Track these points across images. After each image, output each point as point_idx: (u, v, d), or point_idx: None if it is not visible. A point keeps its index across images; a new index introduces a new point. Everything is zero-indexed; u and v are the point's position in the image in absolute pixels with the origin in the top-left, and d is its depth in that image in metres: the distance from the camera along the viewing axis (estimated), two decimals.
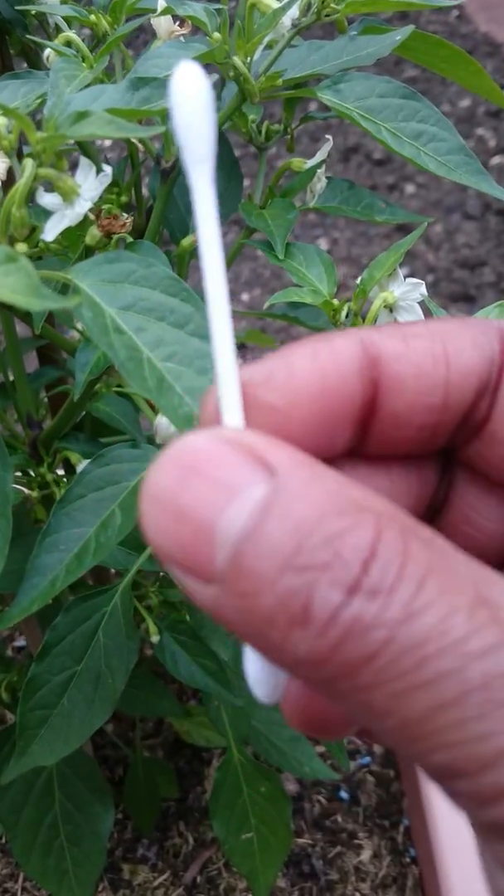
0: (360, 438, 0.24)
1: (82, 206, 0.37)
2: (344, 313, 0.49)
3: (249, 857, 0.78)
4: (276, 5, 0.46)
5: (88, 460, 0.67)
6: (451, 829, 0.89)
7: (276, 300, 0.46)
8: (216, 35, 0.47)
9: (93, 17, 0.52)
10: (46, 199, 0.38)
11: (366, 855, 0.94)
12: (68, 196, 0.37)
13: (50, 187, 0.40)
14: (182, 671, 0.71)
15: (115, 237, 0.53)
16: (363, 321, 0.50)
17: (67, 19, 0.58)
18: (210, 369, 0.36)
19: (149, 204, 0.65)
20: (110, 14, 0.51)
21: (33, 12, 0.58)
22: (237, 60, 0.47)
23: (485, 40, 2.56)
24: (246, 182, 0.67)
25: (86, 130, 0.34)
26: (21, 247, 0.37)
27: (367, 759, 1.02)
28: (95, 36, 0.54)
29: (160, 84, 0.39)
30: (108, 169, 0.38)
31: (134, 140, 0.59)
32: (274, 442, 0.19)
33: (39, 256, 0.48)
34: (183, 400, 0.35)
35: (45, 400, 0.84)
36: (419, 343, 0.24)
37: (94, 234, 0.52)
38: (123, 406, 0.71)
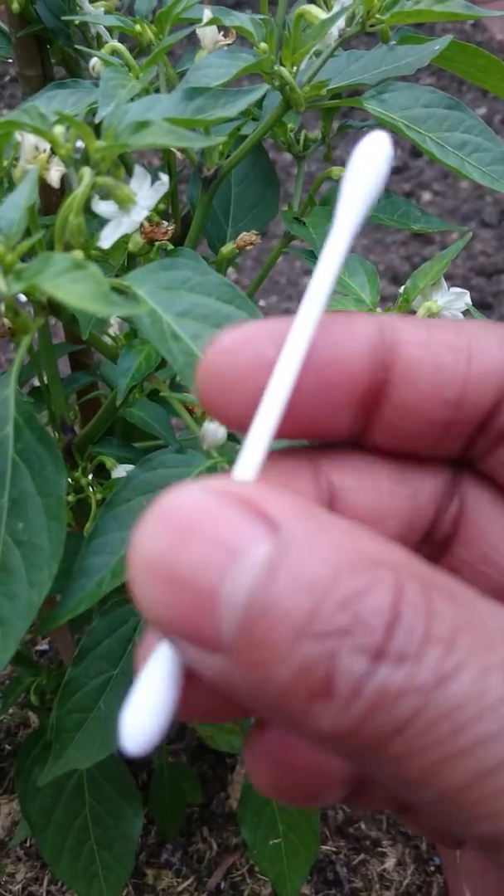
0: (366, 425, 0.23)
1: (139, 214, 0.38)
2: None
3: (277, 863, 0.78)
4: (323, 16, 0.47)
5: (123, 465, 0.68)
6: None
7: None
8: (262, 45, 0.48)
9: (138, 27, 0.53)
10: (102, 207, 0.39)
11: (390, 863, 0.94)
12: (125, 204, 0.38)
13: (105, 195, 0.40)
14: None
15: (156, 244, 0.54)
16: None
17: (110, 29, 0.59)
18: None
19: (184, 212, 0.66)
20: (156, 24, 0.52)
21: (76, 22, 0.59)
22: (284, 70, 0.47)
23: (500, 48, 2.57)
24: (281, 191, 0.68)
25: (147, 140, 0.34)
26: (77, 254, 0.37)
27: None
28: (139, 45, 0.54)
29: (213, 94, 0.39)
30: (164, 178, 0.38)
31: (173, 149, 0.60)
32: (272, 491, 0.18)
33: None
34: None
35: (76, 405, 0.85)
36: (442, 335, 0.22)
37: (136, 242, 0.53)
38: (157, 411, 0.71)
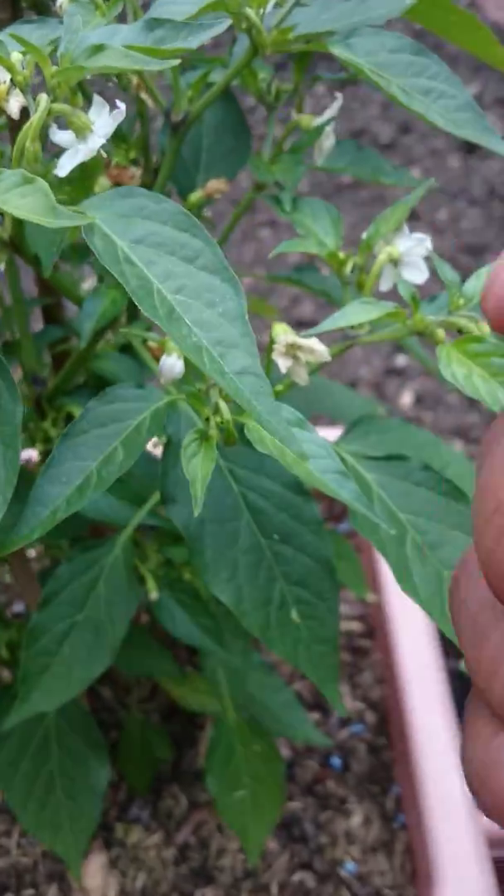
0: None
1: (95, 142, 0.38)
2: (349, 268, 0.49)
3: (241, 815, 0.79)
4: None
5: None
6: (440, 796, 0.91)
7: (282, 250, 0.47)
8: None
9: None
10: (59, 136, 0.39)
11: (356, 820, 0.95)
12: (82, 132, 0.38)
13: (64, 126, 0.40)
14: (180, 630, 0.71)
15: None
16: (367, 276, 0.51)
17: None
18: (217, 303, 0.37)
19: (156, 164, 0.66)
20: None
21: None
22: (250, 12, 0.47)
23: (495, 27, 2.56)
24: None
25: (101, 62, 0.34)
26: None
27: (360, 727, 1.04)
28: None
29: (175, 26, 0.39)
30: (121, 106, 0.39)
31: (143, 96, 0.59)
32: None
33: None
34: (191, 331, 0.36)
35: (50, 360, 0.85)
36: None
37: (103, 184, 0.53)
38: (128, 364, 0.71)
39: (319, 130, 0.54)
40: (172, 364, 0.42)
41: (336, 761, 1.01)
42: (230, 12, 0.47)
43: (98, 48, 0.35)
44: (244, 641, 0.83)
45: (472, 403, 1.76)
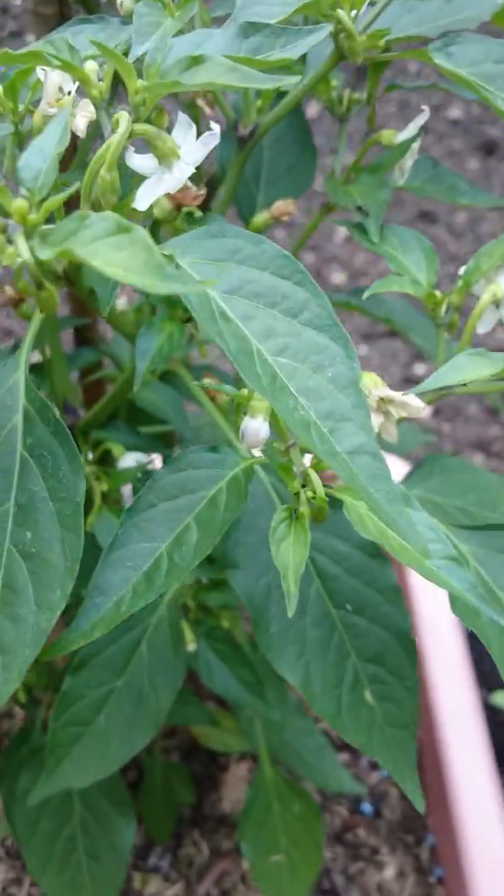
0: None
1: (183, 171, 0.32)
2: (444, 309, 0.43)
3: (276, 880, 0.73)
4: None
5: (130, 452, 0.62)
6: (482, 850, 0.85)
7: (377, 290, 0.41)
8: None
9: None
10: (138, 162, 0.32)
11: (389, 873, 0.90)
12: (167, 158, 0.32)
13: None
14: (217, 682, 0.66)
15: (183, 210, 0.48)
16: (459, 315, 0.45)
17: None
18: (326, 366, 0.31)
19: (207, 179, 0.59)
20: None
21: None
22: (342, 13, 0.41)
23: None
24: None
25: (201, 77, 0.28)
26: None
27: None
28: None
29: (272, 31, 0.33)
30: (215, 128, 0.32)
31: (201, 103, 0.53)
32: None
33: None
34: (298, 402, 0.30)
35: (78, 384, 0.79)
36: None
37: (163, 207, 0.46)
38: (170, 394, 0.65)
39: (404, 148, 0.48)
40: (258, 428, 0.36)
41: (367, 807, 0.95)
42: (321, 14, 0.41)
43: (196, 60, 0.28)
44: (280, 688, 0.78)
45: (493, 415, 1.70)
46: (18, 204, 0.26)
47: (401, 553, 0.34)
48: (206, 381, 0.53)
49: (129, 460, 0.61)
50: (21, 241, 0.26)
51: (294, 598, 0.33)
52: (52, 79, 0.35)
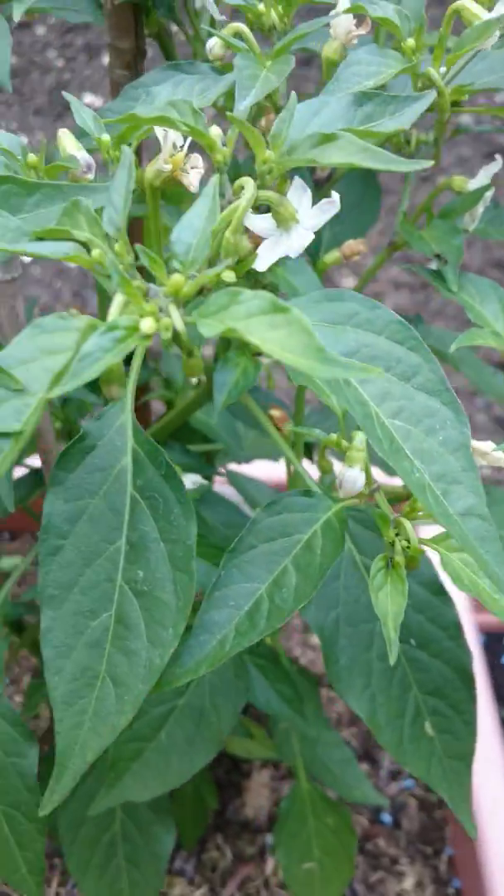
0: None
1: (303, 238, 0.33)
2: None
3: (308, 887, 0.75)
4: (484, 14, 0.42)
5: (190, 475, 0.64)
6: (502, 864, 0.87)
7: (462, 343, 0.43)
8: (410, 42, 0.43)
9: (261, 5, 0.48)
10: (256, 223, 0.34)
11: (408, 883, 0.92)
12: (286, 223, 0.33)
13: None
14: (258, 697, 0.67)
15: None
16: None
17: (217, 3, 0.54)
18: (437, 429, 0.32)
19: None
20: (283, 5, 0.47)
21: None
22: (433, 72, 0.43)
23: None
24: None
25: (336, 158, 0.30)
26: (228, 275, 0.33)
27: (411, 782, 1.00)
28: (260, 28, 0.49)
29: (383, 100, 0.35)
30: (335, 197, 0.34)
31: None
32: None
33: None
34: (414, 465, 0.31)
35: None
36: None
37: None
38: (225, 418, 0.67)
39: (478, 196, 0.50)
40: (355, 478, 0.37)
41: (387, 817, 0.97)
42: (413, 73, 0.43)
43: (328, 138, 0.30)
44: (316, 703, 0.80)
45: (502, 425, 1.72)
46: (175, 279, 0.28)
47: (491, 604, 0.36)
48: (274, 412, 0.55)
49: (187, 482, 0.62)
50: (175, 313, 0.28)
51: (395, 644, 0.35)
52: (171, 137, 0.36)
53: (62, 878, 0.91)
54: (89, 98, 2.19)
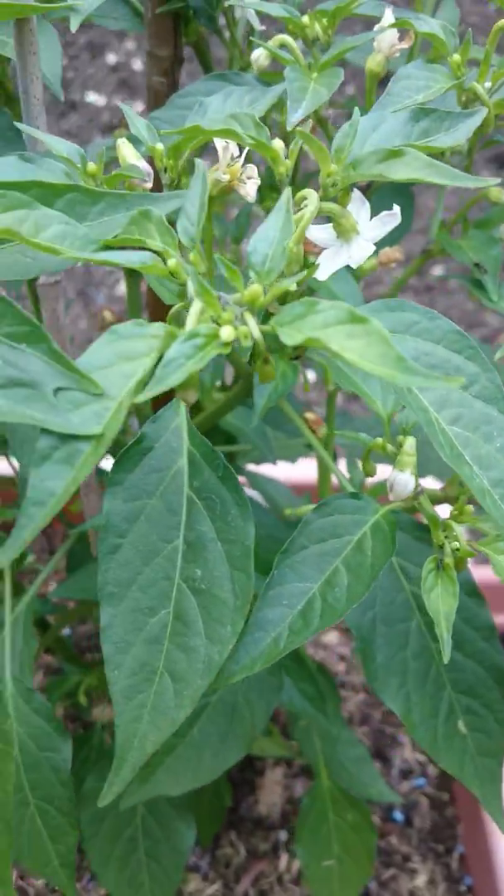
0: None
1: (364, 249, 0.34)
2: None
3: (328, 884, 0.76)
4: None
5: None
6: None
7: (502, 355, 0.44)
8: (456, 57, 0.44)
9: (305, 18, 0.49)
10: (317, 234, 0.35)
11: (421, 880, 0.93)
12: (347, 234, 0.35)
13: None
14: (283, 695, 0.68)
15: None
16: None
17: (265, 20, 0.55)
18: (495, 436, 0.33)
19: None
20: (328, 17, 0.48)
21: (225, 4, 0.55)
22: (479, 87, 0.44)
23: None
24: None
25: (403, 173, 0.31)
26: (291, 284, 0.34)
27: (422, 781, 1.01)
28: (303, 39, 0.50)
29: (439, 116, 0.36)
30: (396, 209, 0.35)
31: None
32: None
33: None
34: (474, 471, 0.32)
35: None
36: None
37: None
38: (251, 419, 0.68)
39: None
40: (406, 481, 0.39)
41: (398, 815, 0.98)
42: (459, 89, 0.44)
43: (395, 154, 0.31)
44: (336, 702, 0.81)
45: None
46: (253, 289, 0.29)
47: None
48: (309, 416, 0.56)
49: None
50: (252, 322, 0.29)
51: (448, 643, 0.36)
52: (230, 149, 0.37)
53: (79, 873, 0.92)
54: (92, 96, 2.20)
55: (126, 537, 0.38)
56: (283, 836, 0.96)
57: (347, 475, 0.69)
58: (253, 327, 0.29)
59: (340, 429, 0.64)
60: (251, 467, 0.84)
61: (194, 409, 0.75)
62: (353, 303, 0.41)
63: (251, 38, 0.51)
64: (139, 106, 2.15)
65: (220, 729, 0.55)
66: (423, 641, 0.50)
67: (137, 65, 2.18)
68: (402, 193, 0.60)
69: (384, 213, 0.35)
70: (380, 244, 0.58)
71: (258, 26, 0.56)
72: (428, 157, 0.31)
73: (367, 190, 0.51)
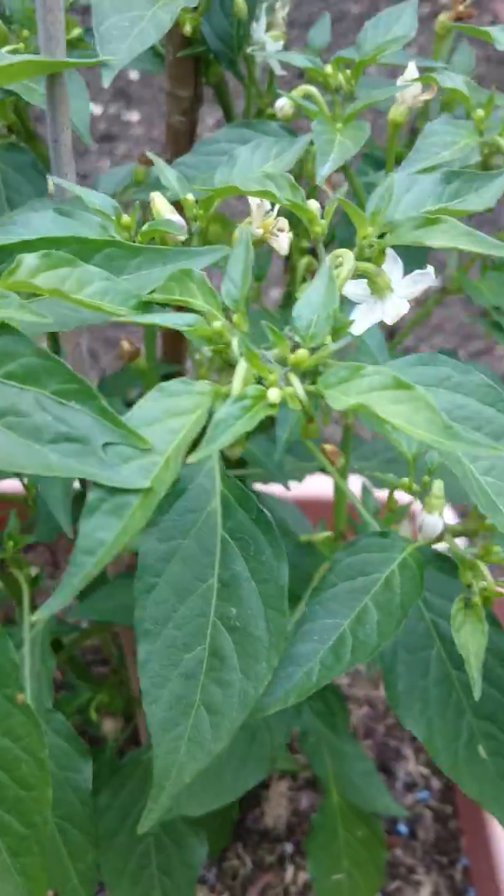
0: None
1: (398, 306, 0.36)
2: None
3: None
4: None
5: None
6: None
7: None
8: (479, 112, 0.46)
9: (328, 68, 0.50)
10: (351, 289, 0.37)
11: (425, 892, 0.94)
12: (381, 292, 0.36)
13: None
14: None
15: None
16: None
17: (283, 63, 0.57)
18: None
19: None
20: (353, 69, 0.49)
21: (248, 49, 0.56)
22: (501, 141, 0.46)
23: None
24: None
25: (440, 241, 0.32)
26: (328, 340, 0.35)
27: (426, 794, 1.03)
28: (325, 87, 0.52)
29: (469, 177, 0.38)
30: (429, 270, 0.37)
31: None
32: None
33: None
34: None
35: None
36: None
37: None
38: (264, 445, 0.70)
39: None
40: (435, 523, 0.40)
41: (403, 828, 1.00)
42: (482, 142, 0.46)
43: (432, 221, 0.33)
44: (345, 718, 0.82)
45: None
46: (300, 354, 0.30)
47: None
48: (327, 446, 0.58)
49: None
50: (297, 383, 0.30)
51: (478, 682, 0.38)
52: (263, 206, 0.39)
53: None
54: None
55: (161, 576, 0.39)
56: (289, 848, 0.97)
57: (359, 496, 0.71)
58: (298, 389, 0.30)
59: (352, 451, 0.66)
60: (259, 486, 0.86)
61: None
62: (381, 354, 0.43)
63: (271, 86, 0.53)
64: (135, 116, 2.16)
65: (241, 752, 0.57)
66: (444, 668, 0.51)
67: (134, 74, 2.19)
68: None
69: (417, 272, 0.37)
70: None
71: (279, 71, 0.57)
72: (464, 227, 0.33)
73: None
